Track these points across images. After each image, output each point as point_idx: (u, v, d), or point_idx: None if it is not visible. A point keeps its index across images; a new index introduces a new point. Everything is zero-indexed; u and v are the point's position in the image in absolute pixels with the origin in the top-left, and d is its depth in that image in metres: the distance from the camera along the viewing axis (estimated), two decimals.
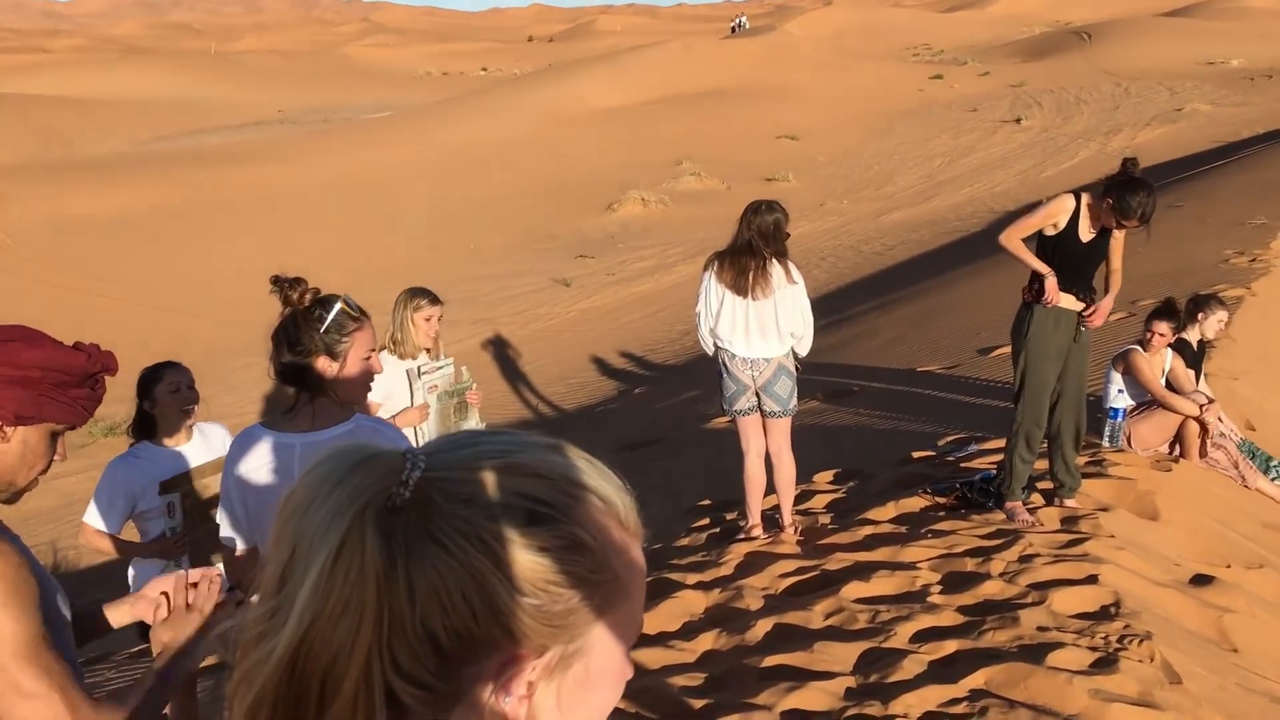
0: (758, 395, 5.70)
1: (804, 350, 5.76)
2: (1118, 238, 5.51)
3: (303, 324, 2.90)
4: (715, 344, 5.72)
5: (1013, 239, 5.51)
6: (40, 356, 1.94)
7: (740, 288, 5.54)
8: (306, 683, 0.79)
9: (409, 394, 5.04)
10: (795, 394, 5.76)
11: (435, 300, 5.21)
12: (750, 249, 5.53)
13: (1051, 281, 5.41)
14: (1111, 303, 5.58)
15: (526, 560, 0.80)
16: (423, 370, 5.05)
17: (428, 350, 5.21)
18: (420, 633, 0.78)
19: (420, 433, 4.97)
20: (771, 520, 6.00)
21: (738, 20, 62.81)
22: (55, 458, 2.08)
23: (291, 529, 0.81)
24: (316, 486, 0.81)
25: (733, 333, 5.62)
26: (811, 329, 5.71)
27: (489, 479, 0.82)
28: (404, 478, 0.80)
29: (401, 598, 0.78)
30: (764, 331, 5.59)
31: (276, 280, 2.92)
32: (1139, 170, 5.29)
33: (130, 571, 4.36)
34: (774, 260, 5.54)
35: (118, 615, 2.26)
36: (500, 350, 16.03)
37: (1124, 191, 5.20)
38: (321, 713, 0.79)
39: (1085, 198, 5.45)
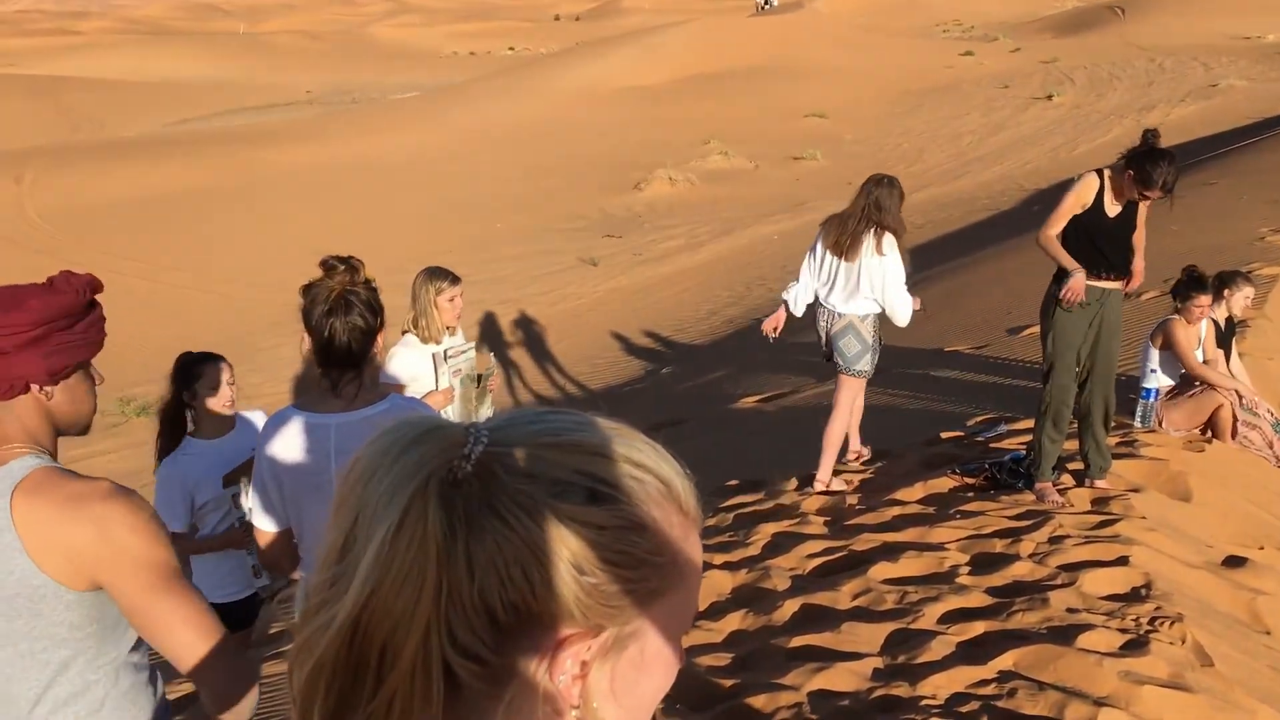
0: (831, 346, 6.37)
1: (897, 320, 6.22)
2: (1142, 212, 5.49)
3: (370, 297, 2.91)
4: (815, 294, 6.38)
5: (1049, 237, 5.50)
6: (37, 312, 1.97)
7: (834, 245, 6.18)
8: (366, 652, 0.79)
9: (434, 377, 5.02)
10: (865, 359, 6.31)
11: (455, 280, 5.12)
12: (857, 215, 6.11)
13: (1078, 279, 5.37)
14: (1141, 266, 5.58)
15: (586, 538, 0.80)
16: (449, 354, 5.03)
17: (449, 329, 5.16)
18: (478, 605, 0.78)
19: (444, 416, 4.96)
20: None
21: None
22: (98, 383, 2.16)
23: (354, 498, 0.81)
24: (380, 456, 0.82)
25: (817, 279, 6.34)
26: (900, 303, 6.15)
27: (552, 456, 0.82)
28: (466, 451, 0.81)
29: (461, 570, 0.78)
30: (843, 289, 6.20)
31: (331, 262, 2.91)
32: (1159, 141, 5.27)
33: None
34: (871, 231, 6.03)
35: None
36: (527, 330, 16.06)
37: (1145, 162, 5.21)
38: (380, 683, 0.79)
39: (1107, 173, 5.45)
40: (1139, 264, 5.59)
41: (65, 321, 2.00)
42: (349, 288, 2.89)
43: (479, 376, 5.19)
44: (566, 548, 0.79)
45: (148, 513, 1.96)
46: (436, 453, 0.81)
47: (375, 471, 0.81)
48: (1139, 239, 5.57)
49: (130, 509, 1.93)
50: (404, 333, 5.10)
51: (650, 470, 0.85)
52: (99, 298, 2.13)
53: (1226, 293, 6.96)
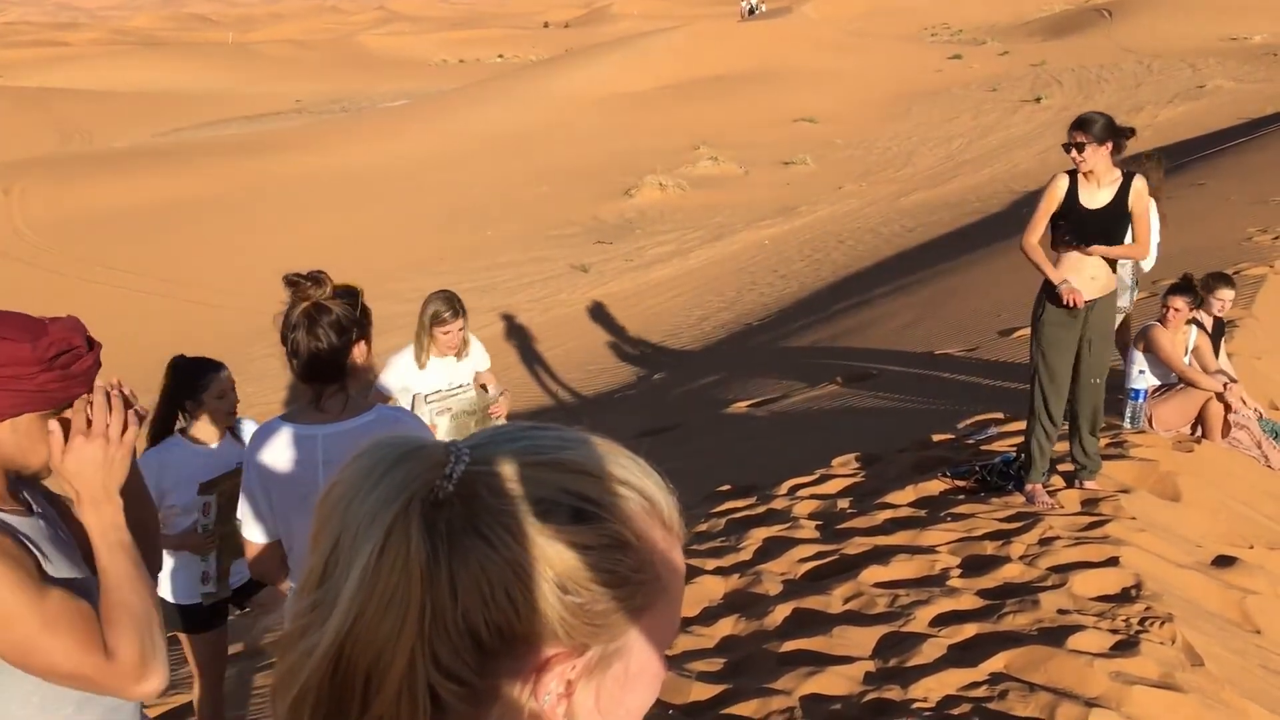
0: None
1: (1145, 263, 6.96)
2: (1136, 197, 5.45)
3: (341, 312, 2.90)
4: None
5: (1031, 243, 5.51)
6: None
7: None
8: (350, 678, 0.78)
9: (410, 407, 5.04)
10: (1126, 295, 7.22)
11: (457, 313, 5.09)
12: None
13: (1066, 288, 5.39)
14: (1113, 249, 5.51)
15: (570, 557, 0.79)
16: (429, 399, 5.06)
17: (445, 355, 5.18)
18: (462, 628, 0.78)
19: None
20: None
21: (752, 3, 62.07)
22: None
23: (335, 522, 0.81)
24: (361, 479, 0.81)
25: None
26: (1149, 251, 6.77)
27: (534, 474, 0.81)
28: (448, 471, 0.80)
29: (444, 592, 0.78)
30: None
31: (294, 278, 2.90)
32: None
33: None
34: None
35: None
36: (519, 337, 16.06)
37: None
38: (365, 709, 0.79)
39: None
40: (1116, 250, 5.54)
41: (16, 371, 1.89)
42: (319, 303, 2.88)
43: (478, 409, 5.18)
44: (551, 568, 0.79)
45: (4, 563, 1.79)
46: (418, 473, 0.80)
47: (355, 494, 0.80)
48: (1140, 240, 5.57)
49: None
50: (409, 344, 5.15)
51: (634, 486, 0.85)
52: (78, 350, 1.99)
53: (1209, 296, 6.99)
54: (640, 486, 0.85)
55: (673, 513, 0.87)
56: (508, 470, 0.81)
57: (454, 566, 0.78)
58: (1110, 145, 5.31)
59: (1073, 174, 5.45)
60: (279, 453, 2.96)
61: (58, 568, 1.96)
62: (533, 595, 0.79)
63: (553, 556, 0.79)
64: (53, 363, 1.94)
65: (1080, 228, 5.41)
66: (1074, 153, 5.34)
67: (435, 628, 0.78)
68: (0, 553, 1.82)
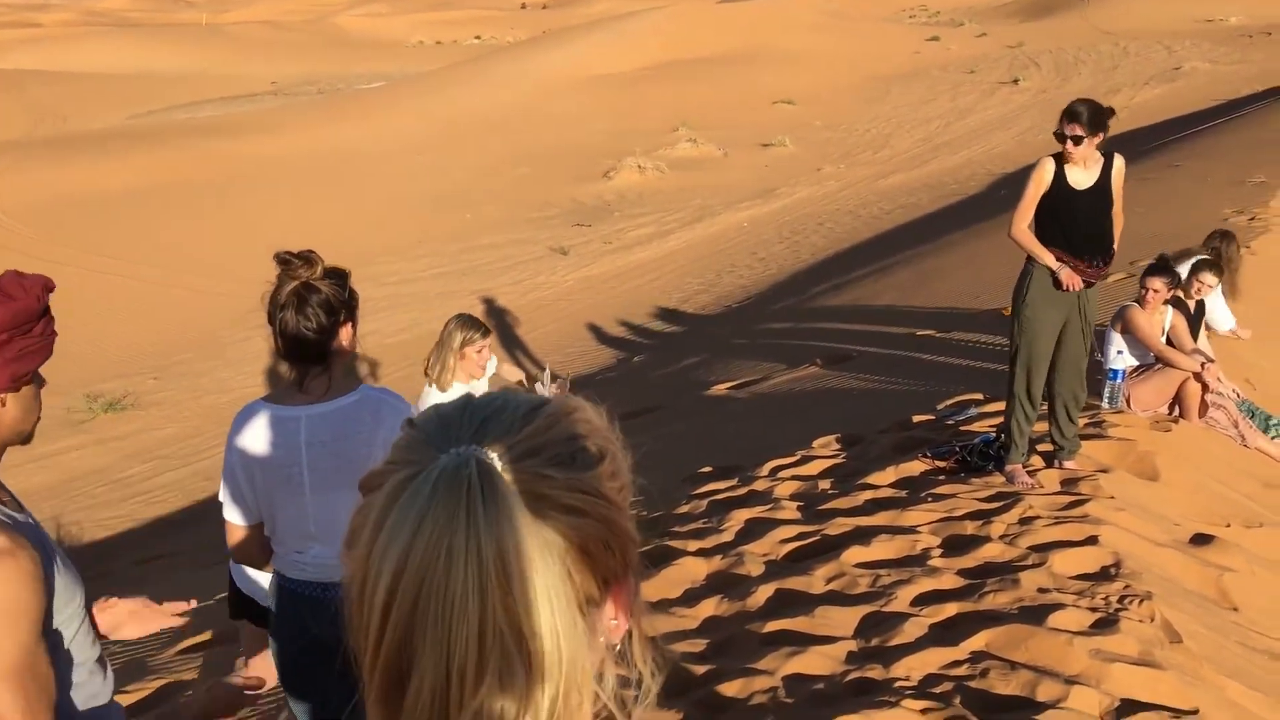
0: None
1: None
2: (1116, 182, 5.50)
3: (330, 293, 2.88)
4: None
5: (1020, 228, 5.54)
6: (4, 318, 1.90)
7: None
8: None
9: None
10: None
11: (486, 333, 5.31)
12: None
13: (1065, 272, 5.42)
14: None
15: (616, 486, 0.85)
16: None
17: (473, 378, 5.26)
18: (581, 600, 0.81)
19: None
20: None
21: None
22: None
23: (472, 603, 0.77)
24: (460, 542, 0.77)
25: None
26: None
27: (545, 440, 0.84)
28: (503, 477, 0.80)
29: (567, 580, 0.80)
30: None
31: (285, 257, 2.88)
32: None
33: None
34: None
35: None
36: (499, 320, 16.00)
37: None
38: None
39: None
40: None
41: (26, 327, 1.92)
42: (309, 282, 2.86)
43: None
44: (613, 504, 0.83)
45: (13, 591, 1.73)
46: (503, 495, 0.79)
47: (477, 572, 0.77)
48: (1117, 213, 5.60)
49: None
50: (425, 373, 5.22)
51: (587, 407, 0.89)
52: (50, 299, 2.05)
53: (1191, 278, 7.03)
54: (587, 405, 0.90)
55: (603, 414, 0.92)
56: (524, 448, 0.83)
57: (563, 552, 0.80)
58: (1101, 135, 5.39)
59: (1057, 156, 5.49)
60: (261, 434, 2.94)
61: (60, 581, 1.93)
62: (622, 533, 0.84)
63: (610, 494, 0.84)
64: (45, 312, 2.00)
65: (1069, 209, 5.44)
66: (1069, 144, 5.39)
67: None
68: (32, 581, 1.78)
